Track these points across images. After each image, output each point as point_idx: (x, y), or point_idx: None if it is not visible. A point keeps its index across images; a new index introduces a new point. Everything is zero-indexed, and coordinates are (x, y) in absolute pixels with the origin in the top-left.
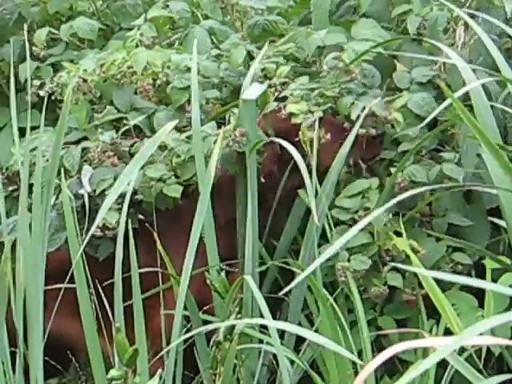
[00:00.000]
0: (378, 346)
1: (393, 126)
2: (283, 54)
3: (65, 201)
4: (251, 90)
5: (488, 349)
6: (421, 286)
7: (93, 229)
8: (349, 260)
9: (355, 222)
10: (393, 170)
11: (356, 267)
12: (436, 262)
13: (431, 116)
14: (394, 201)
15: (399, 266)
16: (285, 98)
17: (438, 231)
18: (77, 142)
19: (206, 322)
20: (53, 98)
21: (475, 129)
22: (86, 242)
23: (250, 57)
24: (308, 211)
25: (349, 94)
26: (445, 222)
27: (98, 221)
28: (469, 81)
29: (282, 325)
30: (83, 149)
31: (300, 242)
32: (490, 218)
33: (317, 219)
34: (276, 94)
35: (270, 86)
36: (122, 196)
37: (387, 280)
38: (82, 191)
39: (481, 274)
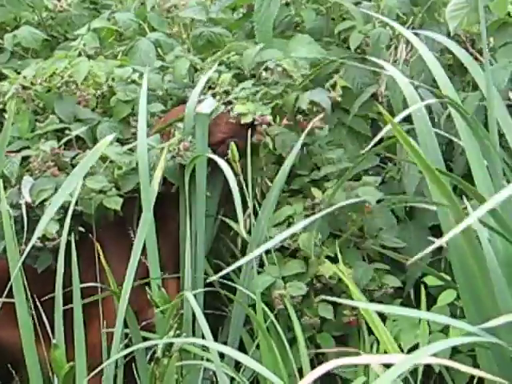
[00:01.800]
0: (320, 363)
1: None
2: (225, 62)
3: (3, 210)
4: (205, 105)
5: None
6: None
7: (33, 239)
8: (285, 287)
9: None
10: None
11: (293, 293)
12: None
13: (369, 146)
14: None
15: (329, 298)
16: (230, 104)
17: (371, 253)
18: (19, 152)
19: (145, 338)
20: None
21: (416, 155)
22: (26, 253)
23: (195, 69)
24: None
25: (293, 91)
26: (377, 243)
27: (38, 232)
28: (411, 99)
29: (219, 347)
30: (24, 158)
31: None
32: (431, 238)
33: (245, 234)
34: (221, 101)
35: (214, 95)
36: (64, 207)
37: (318, 311)
38: (21, 201)
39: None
